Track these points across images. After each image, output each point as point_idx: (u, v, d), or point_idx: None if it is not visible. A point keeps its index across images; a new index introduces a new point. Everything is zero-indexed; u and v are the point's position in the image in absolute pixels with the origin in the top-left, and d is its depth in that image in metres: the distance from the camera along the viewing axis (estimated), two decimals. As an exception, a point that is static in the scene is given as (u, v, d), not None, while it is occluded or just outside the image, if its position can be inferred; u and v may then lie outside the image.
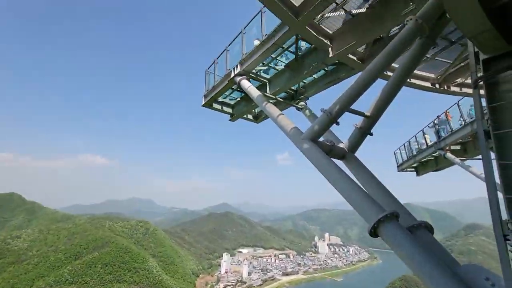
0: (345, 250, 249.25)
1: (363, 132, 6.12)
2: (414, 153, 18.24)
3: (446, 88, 9.94)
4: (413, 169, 19.94)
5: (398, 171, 20.74)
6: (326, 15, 7.49)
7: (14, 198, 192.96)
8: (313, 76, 10.72)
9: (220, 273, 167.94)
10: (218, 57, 12.02)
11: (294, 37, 8.52)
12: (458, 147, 15.89)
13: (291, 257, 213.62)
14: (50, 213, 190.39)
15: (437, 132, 15.85)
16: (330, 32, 8.03)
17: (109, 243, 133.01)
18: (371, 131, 6.15)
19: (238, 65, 9.92)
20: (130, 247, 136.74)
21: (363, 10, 7.08)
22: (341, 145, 6.47)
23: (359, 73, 6.42)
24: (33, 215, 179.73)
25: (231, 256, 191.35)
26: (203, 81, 13.04)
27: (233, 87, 10.99)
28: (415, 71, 9.79)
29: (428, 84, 9.86)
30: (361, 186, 5.39)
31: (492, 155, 3.40)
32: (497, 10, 3.28)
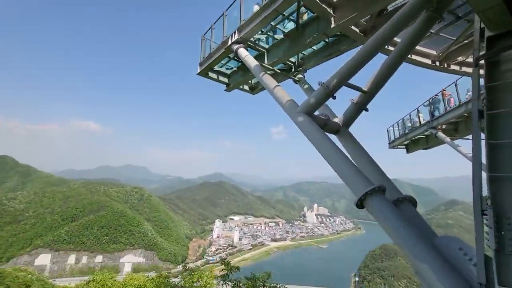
0: (332, 220, 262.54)
1: (359, 107, 6.12)
2: (407, 131, 18.48)
3: (446, 66, 9.79)
4: (403, 146, 20.36)
5: (389, 147, 21.15)
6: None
7: (7, 160, 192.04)
8: (313, 47, 10.36)
9: (212, 238, 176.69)
10: (215, 22, 11.39)
11: (296, 4, 8.07)
12: (450, 126, 16.13)
13: (280, 225, 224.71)
14: (45, 176, 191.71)
15: (432, 111, 15.94)
16: (334, 0, 7.62)
17: (105, 207, 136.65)
18: (367, 107, 6.14)
19: (236, 32, 9.46)
20: (126, 211, 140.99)
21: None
22: (336, 120, 6.49)
23: (360, 46, 6.23)
24: (27, 178, 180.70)
25: (223, 222, 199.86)
26: (200, 48, 12.51)
27: (229, 55, 10.58)
28: (417, 47, 9.54)
29: (428, 61, 9.67)
30: (352, 161, 5.55)
31: (483, 135, 3.47)
32: (509, -16, 3.14)
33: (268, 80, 7.26)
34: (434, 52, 9.61)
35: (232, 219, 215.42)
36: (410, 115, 18.71)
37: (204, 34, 12.11)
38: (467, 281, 2.90)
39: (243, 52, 9.02)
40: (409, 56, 9.41)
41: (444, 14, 5.68)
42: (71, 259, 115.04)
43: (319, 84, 5.67)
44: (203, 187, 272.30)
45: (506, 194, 2.97)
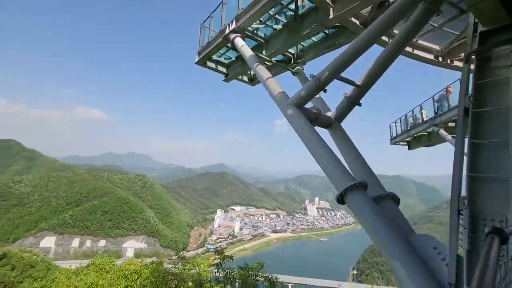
0: (333, 214, 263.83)
1: (352, 101, 6.00)
2: (409, 127, 18.24)
3: (449, 62, 9.52)
4: (405, 143, 20.14)
5: (391, 143, 20.95)
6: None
7: (12, 144, 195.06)
8: (312, 39, 10.13)
9: (213, 227, 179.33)
10: (214, 10, 11.19)
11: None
12: (453, 124, 15.86)
13: (281, 217, 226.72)
14: (50, 161, 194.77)
15: (437, 108, 15.66)
16: (333, -10, 7.40)
17: (108, 193, 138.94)
18: (360, 102, 6.02)
19: (234, 21, 9.28)
20: (129, 198, 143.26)
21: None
22: (328, 114, 6.39)
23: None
24: (32, 162, 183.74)
25: (224, 212, 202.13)
26: (198, 37, 12.33)
27: (228, 45, 10.41)
28: (419, 41, 9.29)
29: (431, 56, 9.42)
30: (341, 155, 5.49)
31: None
32: (502, -24, 2.99)
33: (262, 71, 7.15)
34: (437, 47, 9.34)
35: (233, 209, 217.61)
36: (413, 112, 18.42)
37: (203, 22, 11.91)
38: (438, 281, 2.87)
39: (239, 41, 8.87)
40: (411, 50, 9.17)
41: (442, 7, 5.48)
42: (75, 242, 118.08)
43: (310, 77, 5.56)
44: (205, 177, 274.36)
45: (484, 195, 2.91)
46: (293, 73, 10.73)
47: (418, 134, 17.95)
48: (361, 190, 3.71)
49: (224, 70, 12.97)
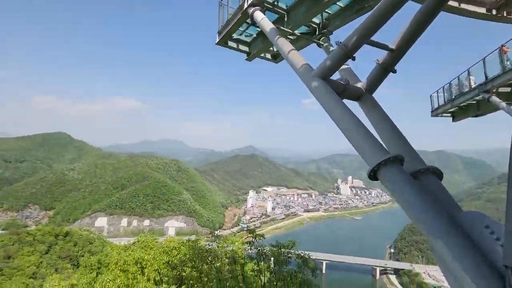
0: (367, 192, 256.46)
1: (385, 68, 5.37)
2: (454, 96, 16.39)
3: (505, 14, 8.11)
4: (449, 114, 18.25)
5: (432, 116, 19.14)
6: None
7: (63, 136, 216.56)
8: (338, 4, 9.23)
9: (246, 207, 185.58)
10: (232, -16, 10.70)
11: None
12: (508, 89, 13.87)
13: (313, 196, 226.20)
14: (95, 150, 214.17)
15: (487, 72, 13.76)
16: None
17: (148, 178, 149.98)
18: (395, 68, 5.38)
19: (252, -7, 8.77)
20: (166, 181, 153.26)
21: None
22: (358, 85, 5.85)
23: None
24: (81, 151, 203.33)
25: (256, 193, 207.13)
26: (217, 16, 11.99)
27: (248, 21, 9.95)
28: (469, -6, 7.97)
29: (483, 10, 8.08)
30: (373, 128, 5.03)
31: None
32: None
33: (283, 44, 6.71)
34: (490, -2, 7.96)
35: (265, 190, 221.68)
36: (458, 78, 16.44)
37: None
38: (491, 262, 2.51)
39: (259, 15, 8.39)
40: (457, 5, 7.95)
41: None
42: (124, 222, 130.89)
43: (336, 44, 5.05)
44: (235, 160, 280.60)
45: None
46: (319, 45, 9.98)
47: (465, 103, 16.10)
48: (397, 165, 3.33)
49: (246, 48, 12.56)
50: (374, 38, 5.22)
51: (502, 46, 12.58)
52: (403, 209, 3.16)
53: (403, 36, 5.13)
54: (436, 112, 18.21)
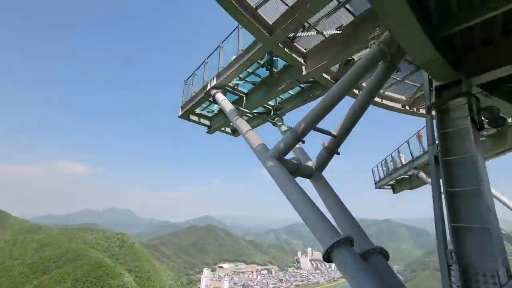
0: (327, 266, 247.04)
1: (330, 151, 6.12)
2: (390, 171, 18.65)
3: (415, 110, 10.29)
4: (389, 187, 20.33)
5: (376, 188, 21.07)
6: (300, 34, 7.67)
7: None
8: (289, 92, 10.84)
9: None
10: (196, 69, 11.98)
11: (269, 53, 8.65)
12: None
13: (273, 272, 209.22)
14: (19, 223, 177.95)
15: (412, 152, 16.33)
16: (304, 51, 8.19)
17: (82, 256, 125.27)
18: (338, 151, 6.15)
19: (215, 78, 9.88)
20: (105, 260, 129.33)
21: (335, 31, 7.29)
22: (309, 164, 6.42)
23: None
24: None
25: (211, 271, 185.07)
26: (182, 93, 12.93)
27: (210, 99, 10.88)
28: (387, 93, 10.14)
29: (399, 106, 10.19)
30: (324, 206, 5.34)
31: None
32: (443, 41, 3.38)
33: (242, 124, 7.34)
34: (403, 98, 10.17)
35: (221, 267, 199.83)
36: (392, 156, 19.07)
37: (187, 79, 12.63)
38: None
39: (220, 96, 9.29)
40: (380, 101, 9.93)
41: (402, 64, 6.11)
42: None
43: (288, 129, 5.72)
44: (191, 232, 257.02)
45: (470, 247, 2.79)
46: (273, 124, 11.12)
47: (400, 178, 18.30)
48: (347, 246, 3.48)
49: (207, 122, 13.31)
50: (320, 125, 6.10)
51: (418, 132, 15.44)
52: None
53: (343, 124, 6.09)
54: (378, 185, 20.16)
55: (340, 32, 7.18)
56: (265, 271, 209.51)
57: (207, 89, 10.07)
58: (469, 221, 2.82)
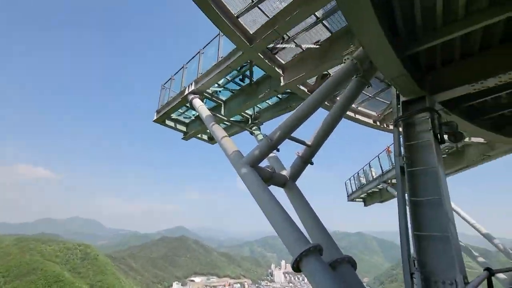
0: (301, 279, 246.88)
1: (304, 160, 6.18)
2: (361, 185, 19.31)
3: (385, 126, 10.83)
4: (361, 200, 20.99)
5: (348, 200, 21.64)
6: (279, 46, 7.87)
7: None
8: (268, 102, 10.98)
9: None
10: (175, 74, 11.79)
11: (249, 62, 8.75)
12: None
13: (246, 286, 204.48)
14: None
15: (382, 166, 17.07)
16: (283, 62, 8.38)
17: (36, 270, 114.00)
18: (312, 160, 6.23)
19: (193, 83, 9.76)
20: (63, 274, 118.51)
21: (313, 46, 7.56)
22: (283, 172, 6.43)
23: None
24: None
25: (182, 285, 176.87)
26: (158, 97, 12.58)
27: (187, 105, 10.69)
28: (360, 108, 10.61)
29: (370, 121, 10.66)
30: (297, 215, 5.33)
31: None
32: (409, 59, 3.59)
33: (218, 130, 7.24)
34: (374, 113, 10.68)
35: (192, 280, 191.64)
36: (363, 170, 19.80)
37: (164, 83, 12.35)
38: None
39: (197, 102, 9.16)
40: (353, 115, 10.35)
41: (374, 81, 6.43)
42: None
43: (263, 137, 5.72)
44: (161, 243, 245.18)
45: (431, 255, 2.88)
46: (251, 133, 11.14)
47: (370, 191, 18.98)
48: (316, 255, 3.46)
49: (183, 128, 13.01)
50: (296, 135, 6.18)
51: (388, 147, 16.24)
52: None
53: (317, 134, 6.21)
54: (351, 197, 20.74)
55: (318, 46, 7.47)
56: (238, 285, 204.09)
57: (185, 94, 9.90)
58: (430, 230, 2.93)
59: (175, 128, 12.74)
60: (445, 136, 3.66)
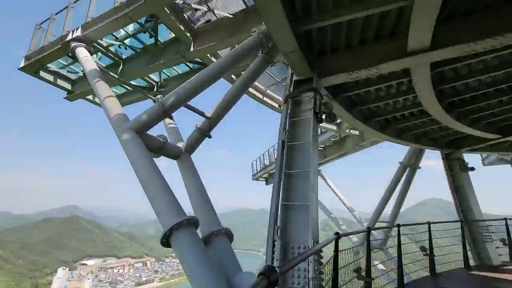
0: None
1: (202, 133, 5.85)
2: (265, 165, 20.72)
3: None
4: (263, 179, 22.61)
5: (253, 179, 22.93)
6: (193, 5, 7.09)
7: None
8: (177, 71, 10.02)
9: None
10: (57, 13, 9.24)
11: (154, 17, 7.59)
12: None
13: (148, 265, 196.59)
14: None
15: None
16: (195, 27, 7.65)
17: None
18: (210, 133, 5.96)
19: (79, 28, 7.80)
20: None
21: (227, 14, 7.12)
22: (179, 144, 5.94)
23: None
24: None
25: (70, 270, 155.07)
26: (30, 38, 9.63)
27: (69, 54, 8.54)
28: (269, 92, 10.99)
29: (276, 105, 11.22)
30: (185, 189, 5.01)
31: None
32: (303, 35, 3.63)
33: (102, 87, 5.99)
34: (280, 98, 11.28)
35: (85, 264, 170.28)
36: (268, 151, 21.21)
37: (41, 23, 9.53)
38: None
39: (81, 52, 7.40)
40: (261, 97, 10.63)
41: (281, 66, 6.55)
42: None
43: (155, 101, 5.03)
44: (44, 225, 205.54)
45: (293, 223, 3.06)
46: (154, 101, 9.97)
47: (272, 171, 20.63)
48: (189, 228, 3.24)
49: (67, 86, 10.54)
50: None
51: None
52: (186, 275, 2.95)
53: (218, 106, 5.94)
54: (255, 177, 22.04)
55: (232, 16, 7.08)
56: (140, 264, 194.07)
57: (67, 39, 7.83)
58: (296, 200, 3.13)
59: (55, 84, 10.19)
60: (323, 117, 4.00)
